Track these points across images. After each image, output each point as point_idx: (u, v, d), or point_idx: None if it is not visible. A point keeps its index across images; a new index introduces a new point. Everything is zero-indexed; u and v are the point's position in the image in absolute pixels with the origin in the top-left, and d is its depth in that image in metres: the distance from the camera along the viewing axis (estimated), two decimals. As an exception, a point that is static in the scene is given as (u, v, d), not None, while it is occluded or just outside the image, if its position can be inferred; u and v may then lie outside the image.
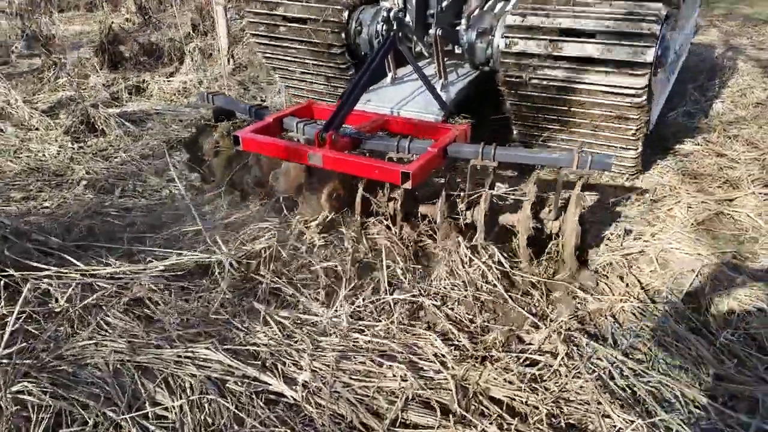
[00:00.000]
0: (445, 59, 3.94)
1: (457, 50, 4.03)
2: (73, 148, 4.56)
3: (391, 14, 3.98)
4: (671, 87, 5.13)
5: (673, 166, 4.12)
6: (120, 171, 4.18)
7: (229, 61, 6.75)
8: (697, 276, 2.95)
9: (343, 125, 3.21)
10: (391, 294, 2.74)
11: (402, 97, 3.89)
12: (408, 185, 2.76)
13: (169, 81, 6.36)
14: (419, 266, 2.97)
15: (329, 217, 3.28)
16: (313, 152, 2.97)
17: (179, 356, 2.25)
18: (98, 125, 4.89)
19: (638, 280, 2.93)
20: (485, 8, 3.93)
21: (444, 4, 3.79)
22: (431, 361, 2.34)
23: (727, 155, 4.28)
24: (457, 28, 3.86)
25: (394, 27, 3.92)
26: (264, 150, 3.20)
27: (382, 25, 4.04)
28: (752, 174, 3.93)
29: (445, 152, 3.07)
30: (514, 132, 4.00)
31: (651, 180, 3.92)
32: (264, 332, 2.44)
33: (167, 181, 3.97)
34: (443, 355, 2.37)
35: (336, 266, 2.93)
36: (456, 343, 2.48)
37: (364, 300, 2.69)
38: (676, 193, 3.72)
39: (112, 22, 7.41)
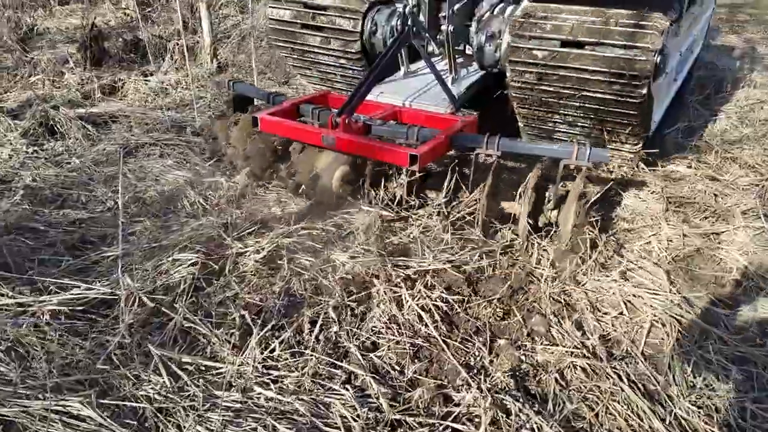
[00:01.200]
0: (456, 56, 4.01)
1: (468, 51, 4.06)
2: (27, 152, 4.32)
3: (406, 10, 3.99)
4: (679, 85, 4.83)
5: (659, 191, 3.74)
6: (68, 179, 3.92)
7: (212, 60, 6.49)
8: (664, 326, 2.62)
9: (357, 114, 3.41)
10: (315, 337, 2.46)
11: (414, 90, 4.01)
12: (416, 167, 2.99)
13: (146, 80, 6.10)
14: (355, 303, 2.68)
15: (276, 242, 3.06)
16: (327, 134, 3.19)
17: (47, 410, 1.98)
18: (57, 128, 4.66)
19: (597, 327, 2.61)
20: (495, 12, 3.88)
21: (456, 6, 3.76)
22: (336, 428, 2.04)
23: (722, 180, 3.91)
24: (469, 29, 3.85)
25: (408, 22, 3.90)
26: (280, 131, 3.46)
27: (397, 21, 4.12)
28: (746, 204, 3.55)
29: (451, 140, 3.25)
30: (521, 127, 3.92)
31: (632, 207, 3.57)
32: (154, 383, 2.16)
33: (112, 191, 3.71)
34: (354, 419, 2.08)
35: (261, 300, 2.66)
36: (373, 402, 2.18)
37: (282, 343, 2.41)
38: (657, 224, 3.36)
39: (96, 17, 7.19)
